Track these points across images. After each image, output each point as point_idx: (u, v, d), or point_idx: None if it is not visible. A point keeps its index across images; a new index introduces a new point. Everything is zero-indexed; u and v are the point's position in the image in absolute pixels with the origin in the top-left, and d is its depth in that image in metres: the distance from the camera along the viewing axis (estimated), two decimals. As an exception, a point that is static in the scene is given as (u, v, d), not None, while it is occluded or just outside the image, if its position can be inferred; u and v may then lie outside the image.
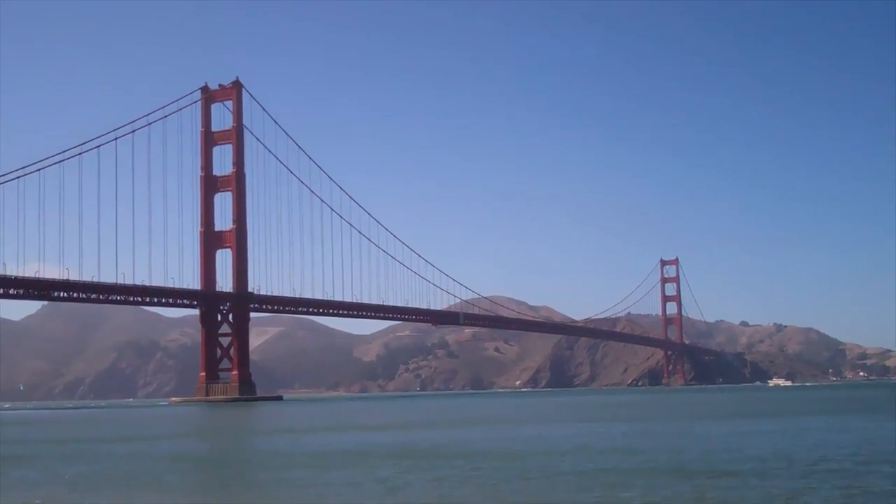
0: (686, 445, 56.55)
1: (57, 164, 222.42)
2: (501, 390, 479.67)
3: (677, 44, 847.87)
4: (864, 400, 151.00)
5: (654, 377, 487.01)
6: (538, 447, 58.30)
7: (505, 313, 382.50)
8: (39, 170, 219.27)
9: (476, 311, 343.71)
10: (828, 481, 36.82)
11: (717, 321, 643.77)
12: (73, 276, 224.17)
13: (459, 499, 34.44)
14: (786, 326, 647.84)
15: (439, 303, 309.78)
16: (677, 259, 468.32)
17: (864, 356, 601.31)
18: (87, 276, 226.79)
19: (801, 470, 40.82)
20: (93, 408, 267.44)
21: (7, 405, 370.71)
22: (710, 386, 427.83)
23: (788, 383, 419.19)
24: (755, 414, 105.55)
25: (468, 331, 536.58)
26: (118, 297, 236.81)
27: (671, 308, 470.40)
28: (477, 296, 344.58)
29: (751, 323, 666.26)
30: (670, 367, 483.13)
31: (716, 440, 60.77)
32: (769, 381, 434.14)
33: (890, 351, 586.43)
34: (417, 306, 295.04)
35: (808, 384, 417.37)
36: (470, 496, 35.09)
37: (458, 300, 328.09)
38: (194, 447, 73.01)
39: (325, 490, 37.94)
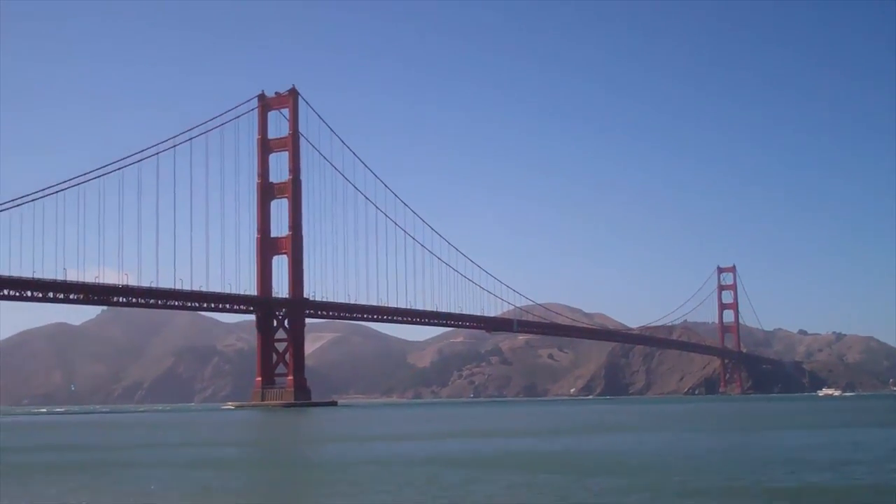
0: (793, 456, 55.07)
1: (117, 171, 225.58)
2: (555, 398, 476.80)
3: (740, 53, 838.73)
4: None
5: (710, 386, 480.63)
6: (627, 458, 57.07)
7: (559, 320, 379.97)
8: (100, 177, 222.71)
9: (530, 318, 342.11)
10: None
11: (774, 329, 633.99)
12: (132, 282, 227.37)
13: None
14: (845, 335, 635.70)
15: (493, 309, 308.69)
16: (734, 266, 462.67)
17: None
18: (146, 281, 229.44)
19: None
20: (155, 411, 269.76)
21: (61, 409, 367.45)
22: (767, 395, 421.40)
23: (838, 393, 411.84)
24: (817, 425, 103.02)
25: (522, 338, 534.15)
26: (176, 303, 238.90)
27: (728, 316, 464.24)
28: (531, 303, 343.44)
29: (809, 332, 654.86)
30: (727, 375, 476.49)
31: (796, 450, 59.20)
32: (818, 392, 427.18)
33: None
34: (471, 313, 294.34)
35: (864, 394, 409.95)
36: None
37: (512, 307, 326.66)
38: (265, 454, 72.86)
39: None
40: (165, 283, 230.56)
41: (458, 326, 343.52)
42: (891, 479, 41.66)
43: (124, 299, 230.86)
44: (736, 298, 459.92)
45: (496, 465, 52.34)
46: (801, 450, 61.14)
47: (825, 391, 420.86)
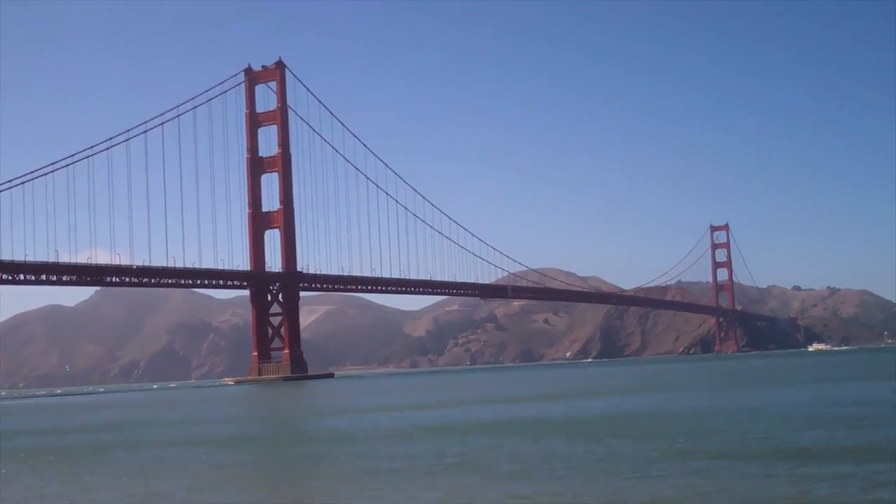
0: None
1: (105, 152, 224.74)
2: (552, 362, 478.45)
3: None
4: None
5: (706, 345, 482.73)
6: (632, 420, 57.22)
7: (553, 285, 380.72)
8: (89, 157, 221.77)
9: (524, 283, 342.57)
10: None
11: (768, 286, 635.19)
12: (125, 262, 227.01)
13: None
14: (839, 290, 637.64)
15: (487, 277, 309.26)
16: (727, 225, 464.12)
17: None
18: (139, 260, 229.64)
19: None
20: (153, 390, 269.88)
21: (59, 391, 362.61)
22: (763, 352, 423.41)
23: (828, 347, 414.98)
24: (810, 381, 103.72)
25: (516, 303, 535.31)
26: (169, 281, 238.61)
27: (722, 274, 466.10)
28: (525, 268, 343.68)
29: (803, 287, 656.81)
30: (722, 334, 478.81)
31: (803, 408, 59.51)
32: (809, 347, 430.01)
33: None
34: (465, 281, 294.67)
35: (850, 348, 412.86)
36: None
37: (506, 273, 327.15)
38: (268, 429, 72.93)
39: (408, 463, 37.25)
40: (158, 261, 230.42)
41: (452, 294, 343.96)
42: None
43: (117, 279, 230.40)
44: (729, 256, 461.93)
45: (498, 431, 52.40)
46: (797, 407, 61.50)
47: (815, 346, 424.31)
